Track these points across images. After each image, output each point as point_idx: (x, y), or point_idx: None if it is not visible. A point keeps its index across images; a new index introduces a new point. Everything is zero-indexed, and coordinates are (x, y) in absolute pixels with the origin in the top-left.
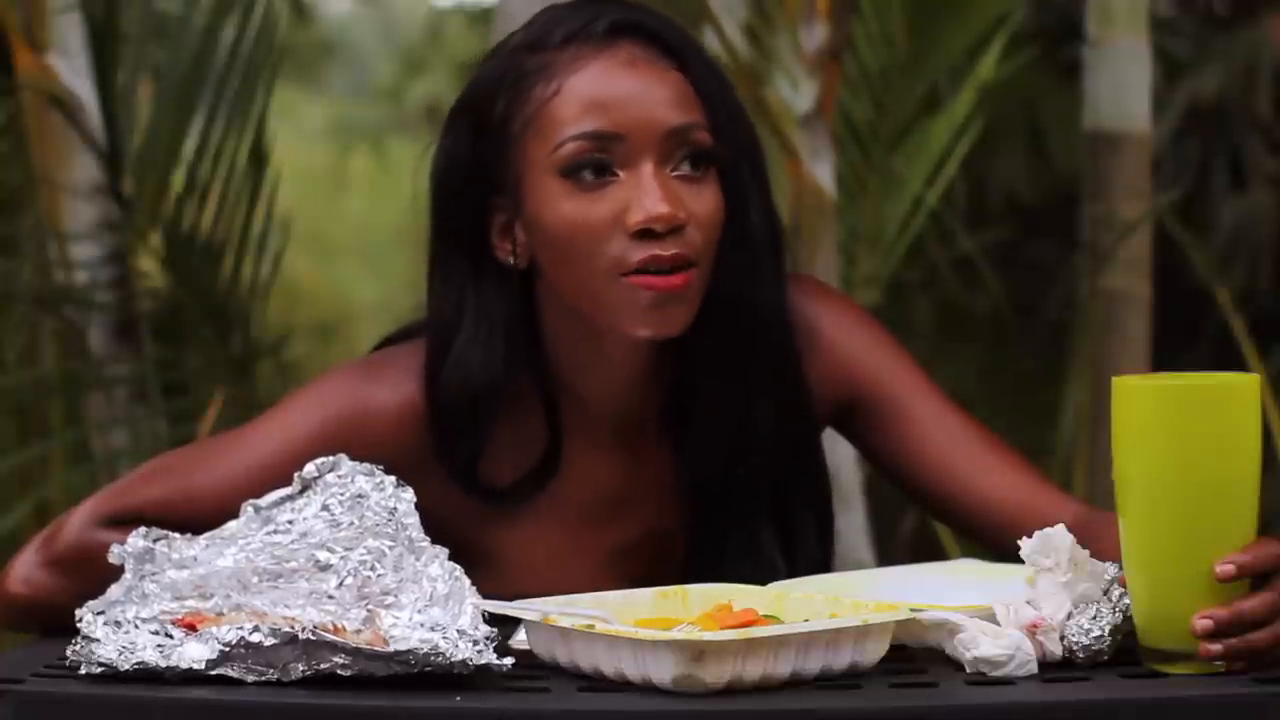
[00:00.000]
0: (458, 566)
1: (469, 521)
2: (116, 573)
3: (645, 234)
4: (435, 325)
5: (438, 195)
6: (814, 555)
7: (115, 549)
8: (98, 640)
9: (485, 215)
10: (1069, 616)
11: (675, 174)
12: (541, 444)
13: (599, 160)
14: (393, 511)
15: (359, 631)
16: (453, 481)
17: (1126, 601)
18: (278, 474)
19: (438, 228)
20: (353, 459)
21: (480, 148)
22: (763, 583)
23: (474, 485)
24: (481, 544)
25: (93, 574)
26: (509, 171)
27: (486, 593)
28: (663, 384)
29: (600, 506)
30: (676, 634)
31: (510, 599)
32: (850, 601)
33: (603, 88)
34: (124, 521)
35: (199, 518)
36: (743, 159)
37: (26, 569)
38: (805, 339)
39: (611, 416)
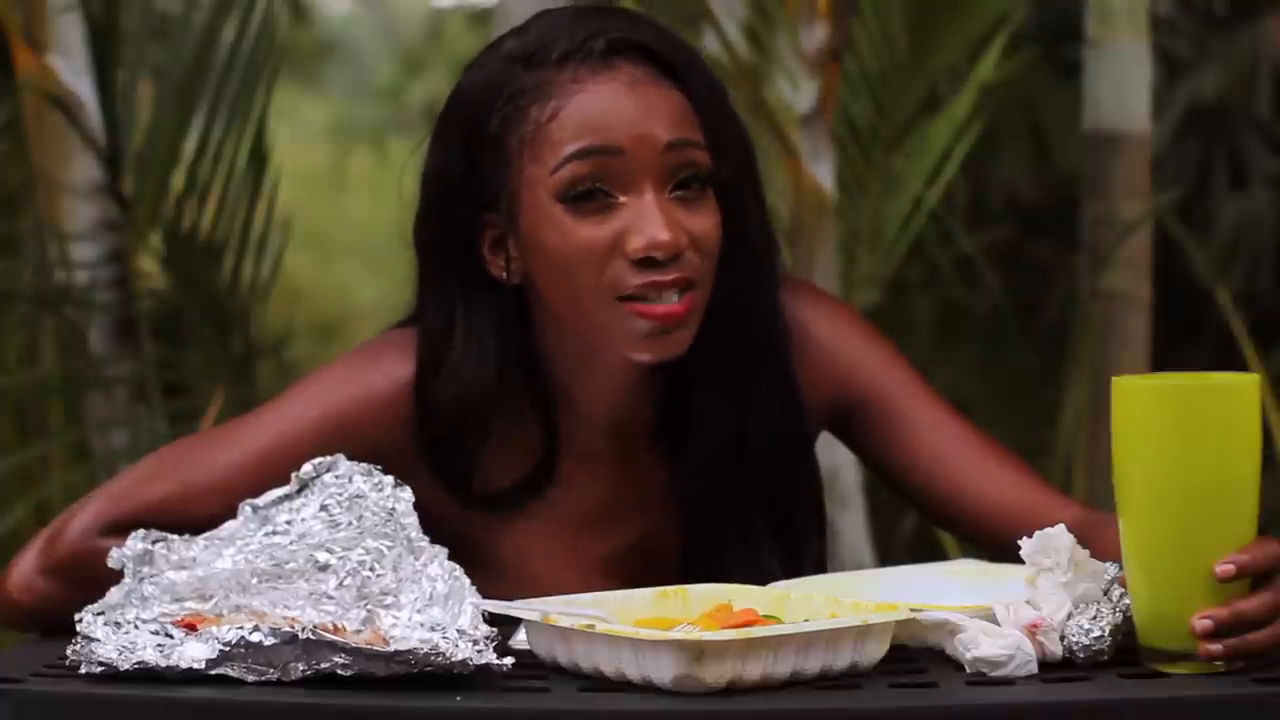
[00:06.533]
0: (457, 566)
1: (465, 523)
2: (117, 578)
3: (645, 261)
4: (425, 338)
5: (427, 207)
6: (810, 559)
7: (114, 553)
8: (98, 640)
9: (477, 229)
10: (1069, 616)
11: (674, 195)
12: (535, 452)
13: (598, 188)
14: (391, 511)
15: (359, 631)
16: (447, 489)
17: (1126, 601)
18: (278, 466)
19: (428, 240)
20: (355, 448)
21: (473, 161)
22: (761, 585)
23: (468, 494)
24: (477, 546)
25: (93, 581)
26: (504, 188)
27: (484, 594)
28: (657, 394)
29: (594, 514)
30: (676, 634)
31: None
32: (850, 601)
33: (601, 110)
34: (125, 527)
35: (201, 513)
36: (740, 175)
37: (26, 576)
38: (799, 344)
39: (605, 426)
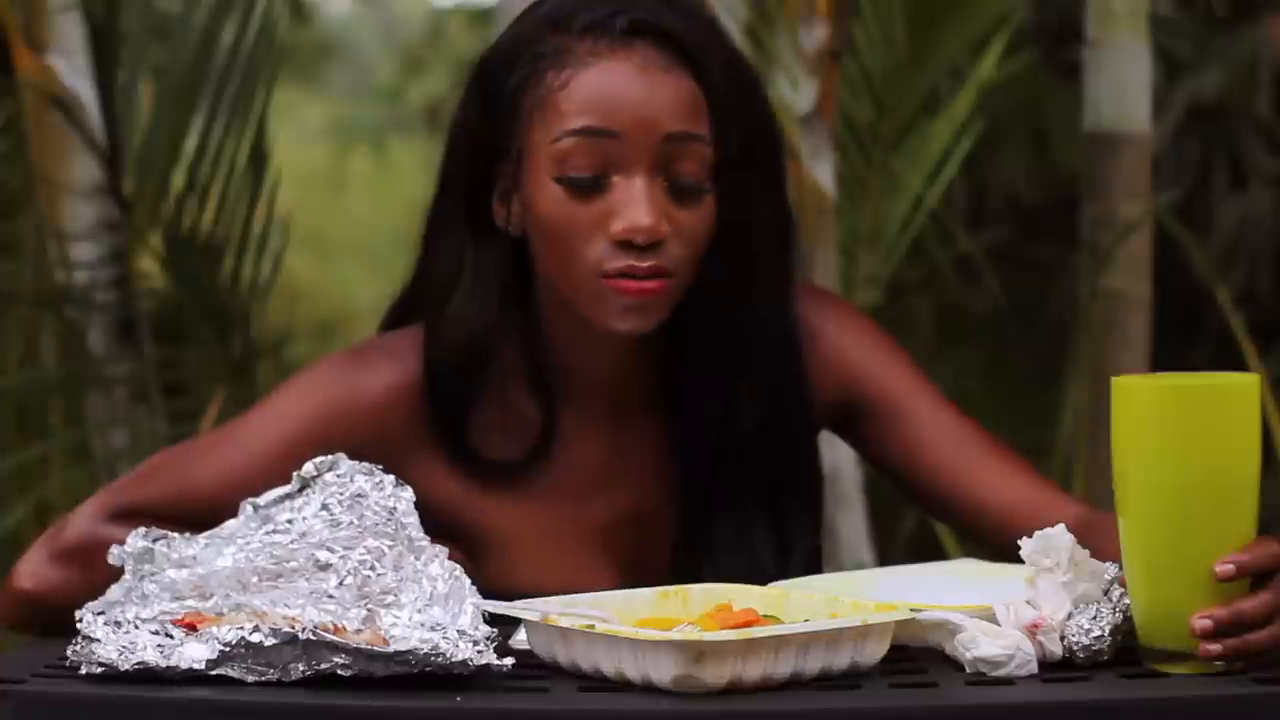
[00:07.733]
0: (458, 566)
1: (460, 502)
2: (121, 568)
3: (626, 243)
4: (433, 282)
5: (448, 153)
6: (806, 550)
7: (115, 550)
8: (98, 640)
9: (491, 178)
10: (1069, 616)
11: (668, 184)
12: (530, 418)
13: (591, 166)
14: (392, 511)
15: (359, 631)
16: (443, 446)
17: (1126, 601)
18: (275, 464)
19: (445, 184)
20: (344, 444)
21: (490, 114)
22: (749, 571)
23: (462, 448)
24: (473, 524)
25: (98, 568)
26: (513, 144)
27: (479, 573)
28: (652, 364)
29: (591, 483)
30: (676, 634)
31: (503, 577)
32: (850, 601)
33: (609, 88)
34: (129, 516)
35: (202, 512)
36: (751, 169)
37: (33, 565)
38: (805, 343)
39: (601, 392)
